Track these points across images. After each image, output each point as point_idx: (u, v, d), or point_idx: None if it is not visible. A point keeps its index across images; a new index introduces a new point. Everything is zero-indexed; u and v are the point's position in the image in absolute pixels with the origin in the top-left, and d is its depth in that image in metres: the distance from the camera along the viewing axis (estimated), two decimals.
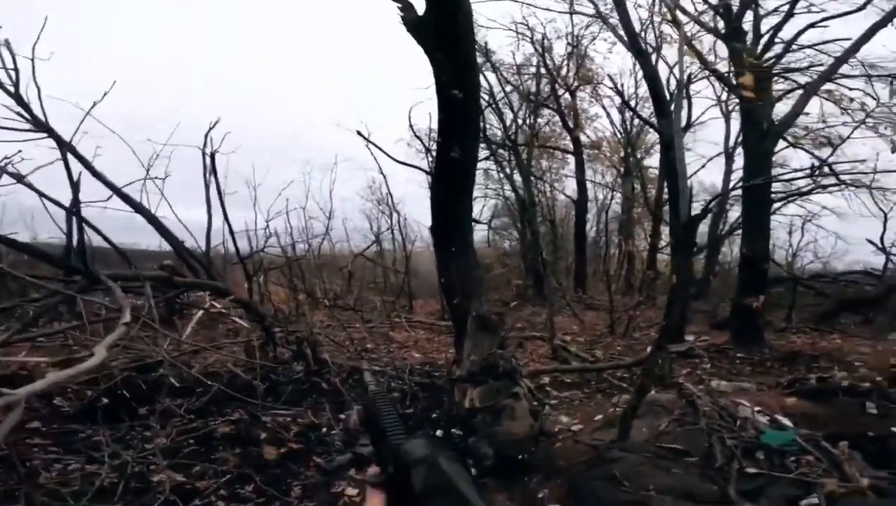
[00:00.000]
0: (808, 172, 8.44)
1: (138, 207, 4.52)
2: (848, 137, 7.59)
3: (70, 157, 3.48)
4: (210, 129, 6.91)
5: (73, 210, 3.21)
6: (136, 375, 4.25)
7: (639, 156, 15.81)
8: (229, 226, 6.39)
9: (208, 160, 6.88)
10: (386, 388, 4.79)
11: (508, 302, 10.13)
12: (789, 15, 7.84)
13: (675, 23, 6.44)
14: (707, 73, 10.10)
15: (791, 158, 11.60)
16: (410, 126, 13.02)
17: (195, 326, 5.20)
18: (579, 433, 3.59)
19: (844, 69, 7.29)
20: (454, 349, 5.00)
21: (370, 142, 6.59)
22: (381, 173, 11.69)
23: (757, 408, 3.51)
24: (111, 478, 2.64)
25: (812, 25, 7.90)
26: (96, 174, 3.67)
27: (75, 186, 3.11)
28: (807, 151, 8.73)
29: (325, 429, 3.90)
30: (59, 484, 2.46)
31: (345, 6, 22.34)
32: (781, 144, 8.73)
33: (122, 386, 3.84)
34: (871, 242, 9.41)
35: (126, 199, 4.39)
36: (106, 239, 4.07)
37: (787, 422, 3.30)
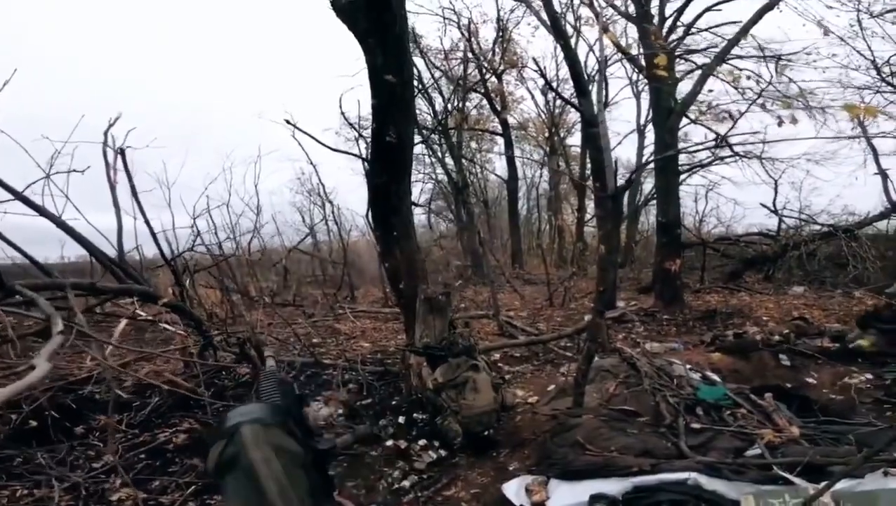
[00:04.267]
0: (709, 144, 9.30)
1: (42, 211, 4.03)
2: (746, 112, 8.36)
3: None
4: (111, 125, 6.30)
5: None
6: (62, 395, 3.93)
7: (562, 134, 16.48)
8: (149, 226, 5.86)
9: (112, 157, 6.30)
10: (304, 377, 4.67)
11: (451, 283, 10.27)
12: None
13: (593, 7, 6.71)
14: (620, 55, 10.69)
15: (693, 133, 12.69)
16: (342, 113, 12.65)
17: (119, 337, 4.81)
18: (536, 404, 3.77)
19: (736, 50, 8.00)
20: (404, 334, 5.02)
21: (300, 130, 6.30)
22: (311, 163, 11.38)
23: (688, 365, 3.89)
24: (66, 501, 2.47)
25: (708, 9, 8.60)
26: None
27: None
28: (706, 126, 9.49)
29: None
30: None
31: None
32: (685, 120, 9.49)
33: (49, 406, 3.51)
34: (764, 206, 10.46)
35: (28, 202, 3.90)
36: (17, 249, 3.64)
37: (715, 377, 3.68)
